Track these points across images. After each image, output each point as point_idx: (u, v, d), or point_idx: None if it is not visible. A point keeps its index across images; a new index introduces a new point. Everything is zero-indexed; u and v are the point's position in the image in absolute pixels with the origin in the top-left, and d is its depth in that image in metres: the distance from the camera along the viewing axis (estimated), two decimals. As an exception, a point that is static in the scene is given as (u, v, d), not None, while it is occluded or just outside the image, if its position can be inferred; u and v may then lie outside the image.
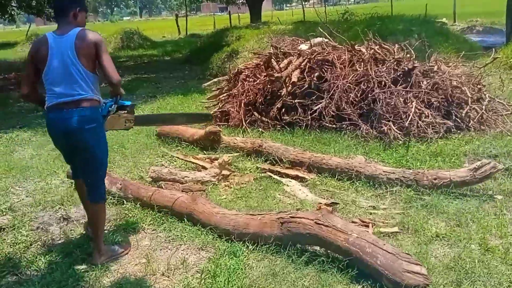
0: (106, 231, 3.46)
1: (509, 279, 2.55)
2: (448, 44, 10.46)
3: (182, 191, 3.91)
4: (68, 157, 3.17)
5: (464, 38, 13.64)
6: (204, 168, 4.51)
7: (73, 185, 3.94)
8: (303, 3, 28.82)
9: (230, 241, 3.14)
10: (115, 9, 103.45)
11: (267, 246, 2.98)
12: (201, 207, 3.42)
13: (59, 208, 4.00)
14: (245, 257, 2.94)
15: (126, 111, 3.26)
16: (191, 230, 3.37)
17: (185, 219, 3.46)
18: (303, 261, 2.79)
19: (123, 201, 3.91)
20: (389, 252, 2.53)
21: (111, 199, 3.98)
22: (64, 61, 2.82)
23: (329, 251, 2.81)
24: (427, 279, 2.44)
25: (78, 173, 3.20)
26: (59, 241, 3.42)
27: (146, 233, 3.46)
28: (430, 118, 5.21)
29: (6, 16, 20.30)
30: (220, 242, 3.16)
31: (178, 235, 3.35)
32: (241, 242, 3.08)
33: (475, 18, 23.11)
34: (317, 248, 2.91)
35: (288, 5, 74.64)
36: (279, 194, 3.98)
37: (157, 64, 15.61)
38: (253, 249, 3.01)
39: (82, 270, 2.98)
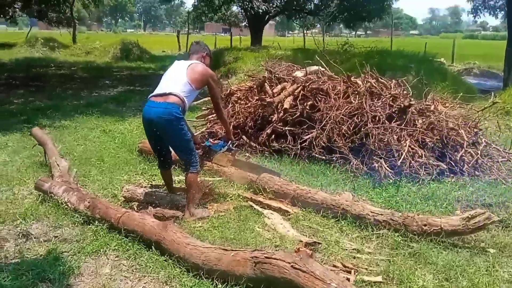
0: (66, 253, 3.20)
1: None
2: (445, 84, 10.40)
3: (154, 215, 3.63)
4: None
5: (462, 80, 13.67)
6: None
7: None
8: (305, 31, 29.01)
9: (198, 277, 2.86)
10: (119, 20, 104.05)
11: (238, 286, 2.70)
12: (171, 235, 3.14)
13: (20, 222, 3.69)
14: (212, 297, 2.66)
15: (231, 153, 4.56)
16: (158, 260, 3.08)
17: (153, 247, 3.18)
18: (275, 308, 2.51)
19: (90, 221, 3.62)
20: (370, 308, 2.27)
21: (77, 217, 3.70)
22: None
23: (304, 300, 2.53)
24: None
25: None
26: (12, 260, 3.12)
27: (108, 259, 3.17)
28: (423, 158, 5.01)
29: (7, 17, 20.20)
30: (187, 277, 2.88)
31: (142, 265, 3.06)
32: (210, 280, 2.80)
33: (473, 60, 23.36)
34: (292, 294, 2.63)
35: (290, 32, 75.43)
36: (258, 227, 3.71)
37: (153, 77, 15.35)
38: (222, 289, 2.73)
39: (31, 297, 2.68)
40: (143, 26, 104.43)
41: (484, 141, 5.46)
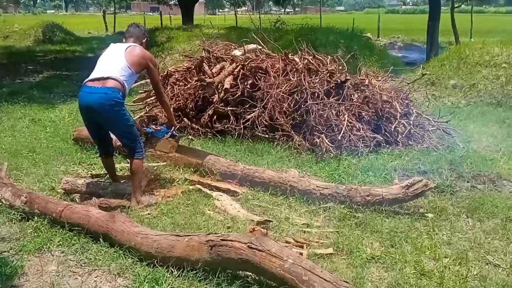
0: (6, 253, 3.00)
1: (445, 306, 2.47)
2: (373, 58, 10.84)
3: (99, 206, 3.48)
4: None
5: (388, 53, 14.28)
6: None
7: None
8: (236, 9, 28.78)
9: (152, 266, 2.79)
10: (38, 1, 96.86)
11: (194, 271, 2.67)
12: (120, 225, 3.03)
13: None
14: (168, 285, 2.61)
15: (174, 139, 4.21)
16: (107, 252, 2.97)
17: (101, 240, 3.06)
18: (234, 289, 2.52)
19: (28, 217, 3.40)
20: (326, 280, 2.34)
21: (14, 214, 3.46)
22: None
23: (262, 278, 2.57)
24: (365, 308, 2.29)
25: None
26: None
27: (53, 255, 3.00)
28: (361, 131, 5.21)
29: None
30: (140, 267, 2.80)
31: (91, 259, 2.94)
32: (164, 267, 2.75)
33: (396, 34, 24.41)
34: (250, 274, 2.66)
35: (220, 10, 74.42)
36: (208, 210, 3.69)
37: (80, 60, 14.54)
38: (178, 275, 2.69)
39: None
40: (65, 6, 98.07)
41: (415, 111, 5.77)
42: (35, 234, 3.22)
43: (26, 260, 2.94)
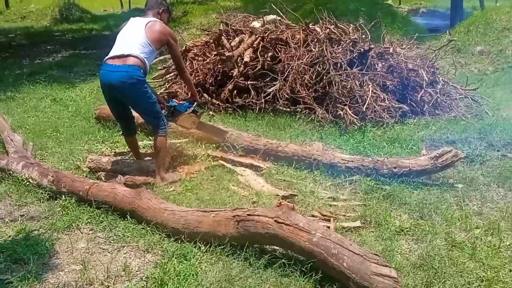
0: (37, 232, 3.05)
1: (478, 277, 2.42)
2: (396, 26, 10.48)
3: (125, 183, 3.50)
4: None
5: (411, 21, 13.80)
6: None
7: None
8: (252, -20, 28.21)
9: (179, 242, 2.80)
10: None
11: (222, 246, 2.67)
12: (146, 202, 3.04)
13: (-21, 205, 3.47)
14: (196, 260, 2.62)
15: (196, 115, 4.15)
16: (135, 229, 2.99)
17: (128, 217, 3.08)
18: (262, 264, 2.51)
19: (56, 196, 3.44)
20: (356, 253, 2.31)
21: (41, 193, 3.50)
22: None
23: (290, 252, 2.55)
24: (396, 282, 2.25)
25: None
26: (-22, 246, 2.94)
27: (82, 233, 3.04)
28: (386, 102, 5.08)
29: None
30: (168, 243, 2.82)
31: (119, 236, 2.97)
32: (192, 243, 2.75)
33: (419, 0, 23.59)
34: (278, 248, 2.64)
35: (236, -19, 73.26)
36: (233, 185, 3.68)
37: (98, 39, 14.52)
38: (206, 251, 2.70)
39: (6, 281, 2.54)
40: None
41: (442, 79, 5.59)
42: (64, 212, 3.26)
43: (56, 238, 2.99)
